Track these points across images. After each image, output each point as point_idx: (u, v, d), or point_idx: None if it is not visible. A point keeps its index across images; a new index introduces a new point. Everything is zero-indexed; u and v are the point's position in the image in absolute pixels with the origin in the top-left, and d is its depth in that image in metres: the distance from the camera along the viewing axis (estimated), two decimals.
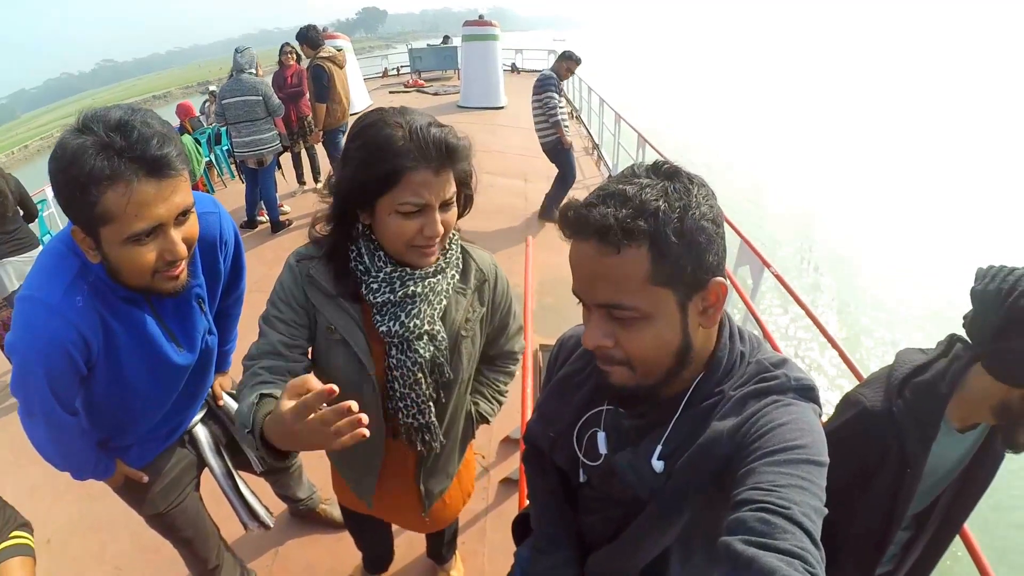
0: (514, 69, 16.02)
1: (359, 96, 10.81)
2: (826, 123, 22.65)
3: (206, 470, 1.73)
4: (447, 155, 1.02)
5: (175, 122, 7.37)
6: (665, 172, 0.73)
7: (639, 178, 0.73)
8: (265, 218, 5.66)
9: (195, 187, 7.04)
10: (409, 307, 1.14)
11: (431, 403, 1.25)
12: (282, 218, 5.65)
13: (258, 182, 5.38)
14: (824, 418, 0.82)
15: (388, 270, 1.13)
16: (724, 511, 0.67)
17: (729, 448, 0.74)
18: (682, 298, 0.73)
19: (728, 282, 0.80)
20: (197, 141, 7.02)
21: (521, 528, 1.30)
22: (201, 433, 1.68)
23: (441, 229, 1.06)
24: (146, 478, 1.53)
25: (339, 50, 5.70)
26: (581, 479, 1.01)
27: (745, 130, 21.11)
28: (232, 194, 6.87)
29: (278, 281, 1.18)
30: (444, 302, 1.20)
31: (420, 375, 1.20)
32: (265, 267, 4.65)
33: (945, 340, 1.15)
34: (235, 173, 7.63)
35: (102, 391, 1.28)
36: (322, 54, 5.37)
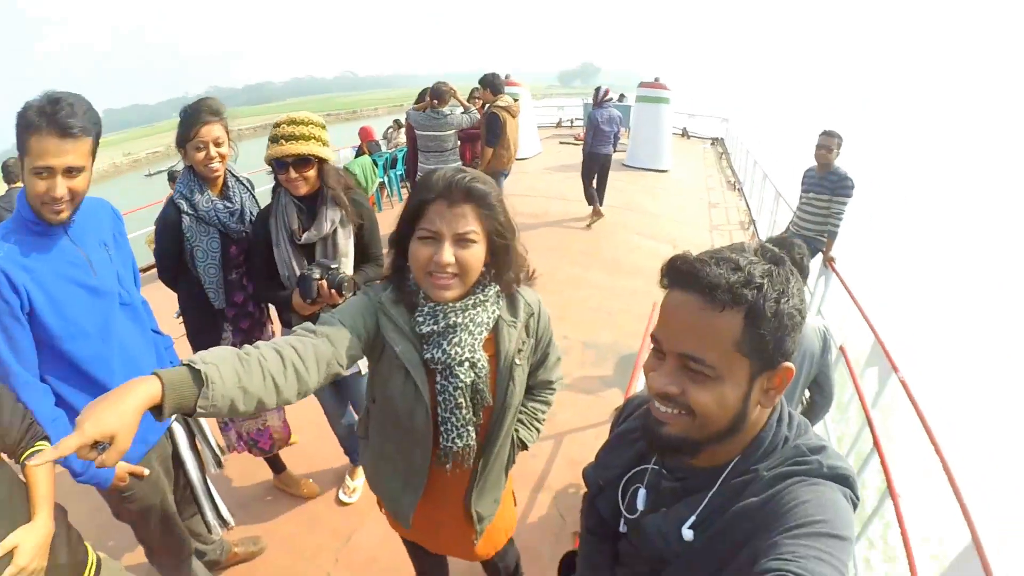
0: (684, 134, 15.95)
1: (530, 143, 11.33)
2: None
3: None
4: (463, 193, 1.17)
5: (353, 140, 8.20)
6: (771, 257, 0.79)
7: (748, 254, 0.79)
8: None
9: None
10: (451, 336, 1.26)
11: (470, 427, 1.34)
12: None
13: None
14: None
15: (432, 304, 1.26)
16: None
17: (754, 524, 0.77)
18: (755, 372, 0.78)
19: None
20: (375, 163, 7.81)
21: (567, 568, 1.35)
22: (178, 430, 1.96)
23: (450, 259, 1.17)
24: (147, 472, 1.74)
25: (516, 100, 6.08)
26: (622, 529, 1.05)
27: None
28: (391, 220, 7.48)
29: (347, 302, 1.32)
30: (485, 333, 1.30)
31: (461, 400, 1.30)
32: None
33: None
34: (403, 196, 8.32)
35: (52, 333, 1.53)
36: (499, 102, 5.78)
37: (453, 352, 1.26)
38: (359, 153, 8.26)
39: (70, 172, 1.44)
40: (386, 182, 8.56)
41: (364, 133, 8.42)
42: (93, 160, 1.51)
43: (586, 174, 7.26)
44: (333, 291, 2.00)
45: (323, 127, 2.09)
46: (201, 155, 2.07)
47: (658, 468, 0.98)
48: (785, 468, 0.81)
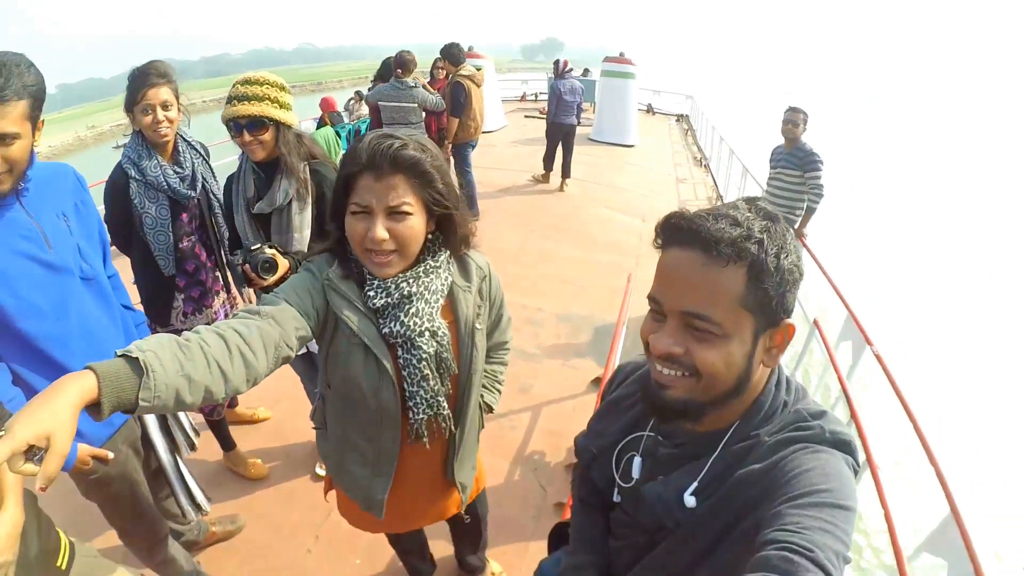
0: (649, 110, 15.99)
1: (495, 117, 11.23)
2: None
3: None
4: (390, 162, 1.10)
5: (317, 113, 7.96)
6: (765, 212, 0.78)
7: (743, 211, 0.78)
8: None
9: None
10: (407, 307, 1.22)
11: (440, 397, 1.31)
12: None
13: None
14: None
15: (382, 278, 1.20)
16: (748, 552, 0.70)
17: (757, 491, 0.77)
18: (758, 328, 0.77)
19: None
20: (337, 134, 7.58)
21: (557, 539, 1.35)
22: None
23: (383, 235, 1.12)
24: (111, 455, 1.62)
25: (479, 69, 5.99)
26: (615, 499, 1.05)
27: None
28: None
29: (290, 280, 1.22)
30: (441, 300, 1.27)
31: (427, 371, 1.27)
32: None
33: None
34: None
35: (4, 311, 1.42)
36: (463, 72, 5.69)
37: (412, 323, 1.22)
38: (320, 124, 8.01)
39: (2, 139, 1.31)
40: None
41: (326, 103, 8.13)
42: (34, 126, 1.37)
43: (550, 141, 7.53)
44: (255, 275, 1.84)
45: (282, 88, 1.99)
46: (148, 119, 2.00)
47: (654, 435, 0.97)
48: (787, 434, 0.80)
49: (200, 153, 2.26)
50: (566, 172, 7.69)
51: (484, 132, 9.91)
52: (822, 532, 0.66)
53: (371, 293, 1.21)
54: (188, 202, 2.19)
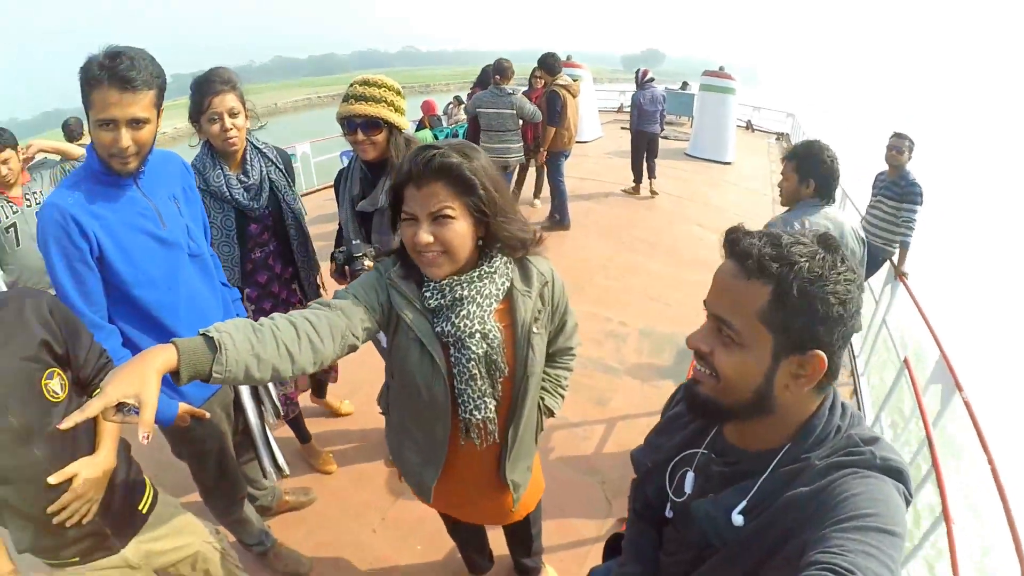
0: (749, 127, 15.40)
1: (591, 127, 11.19)
2: None
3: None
4: (430, 171, 1.15)
5: (418, 115, 8.20)
6: (826, 243, 0.80)
7: (802, 236, 0.81)
8: None
9: None
10: (459, 309, 1.26)
11: (487, 398, 1.34)
12: None
13: None
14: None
15: (437, 281, 1.25)
16: (791, 574, 0.70)
17: (804, 514, 0.77)
18: (778, 349, 0.80)
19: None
20: (436, 137, 7.83)
21: (611, 549, 1.38)
22: None
23: (427, 239, 1.17)
24: (208, 415, 1.74)
25: (575, 80, 5.99)
26: (667, 514, 1.07)
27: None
28: None
29: (360, 277, 1.33)
30: (495, 304, 1.30)
31: (476, 371, 1.30)
32: None
33: None
34: None
35: (122, 279, 1.56)
36: (559, 81, 5.72)
37: (462, 324, 1.26)
38: (420, 127, 8.30)
39: (134, 124, 1.46)
40: None
41: (427, 107, 8.37)
42: (159, 113, 1.52)
43: (635, 151, 7.61)
44: (347, 270, 1.94)
45: (398, 93, 2.01)
46: (216, 127, 1.98)
47: (708, 452, 0.99)
48: (837, 458, 0.80)
49: (272, 160, 2.21)
50: (651, 174, 7.74)
51: (579, 142, 9.91)
52: (865, 555, 0.65)
53: (427, 294, 1.27)
54: (257, 212, 2.16)
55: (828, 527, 0.71)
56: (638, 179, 7.80)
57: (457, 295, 1.25)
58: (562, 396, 1.64)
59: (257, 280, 2.28)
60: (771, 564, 0.81)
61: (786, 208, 2.64)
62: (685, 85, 15.53)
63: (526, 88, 6.29)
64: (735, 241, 0.82)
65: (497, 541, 2.16)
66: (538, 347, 1.37)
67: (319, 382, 3.04)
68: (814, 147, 2.51)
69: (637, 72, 7.74)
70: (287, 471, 2.17)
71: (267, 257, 2.27)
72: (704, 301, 0.88)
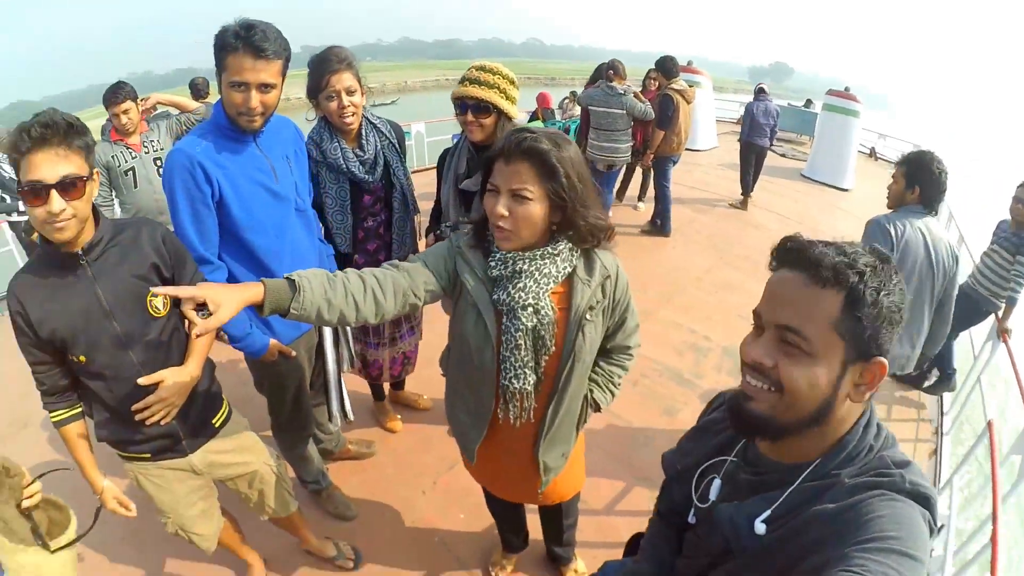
0: (872, 154, 14.22)
1: (706, 136, 10.74)
2: None
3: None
4: (520, 152, 1.23)
5: (533, 106, 8.30)
6: (879, 254, 0.81)
7: (854, 246, 0.82)
8: None
9: None
10: (516, 281, 1.33)
11: (527, 369, 1.41)
12: None
13: (599, 183, 5.88)
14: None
15: (504, 251, 1.34)
16: None
17: (826, 532, 0.77)
18: (848, 357, 0.79)
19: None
20: None
21: (632, 547, 1.39)
22: (326, 328, 2.11)
23: (503, 211, 1.26)
24: (294, 353, 1.92)
25: (692, 85, 5.84)
26: (691, 520, 1.07)
27: None
28: None
29: (434, 245, 1.47)
30: (552, 284, 1.35)
31: (521, 341, 1.37)
32: None
33: None
34: None
35: (236, 223, 1.73)
36: (674, 85, 5.59)
37: (517, 296, 1.33)
38: (532, 118, 8.39)
39: (263, 88, 1.62)
40: None
41: (541, 99, 8.42)
42: (283, 80, 1.68)
43: (744, 163, 7.39)
44: None
45: (512, 82, 2.06)
46: (333, 104, 2.04)
47: (737, 460, 0.99)
48: (867, 478, 0.80)
49: (386, 135, 2.27)
50: (750, 188, 7.53)
51: (693, 150, 9.67)
52: None
53: (492, 263, 1.36)
54: (371, 184, 2.22)
55: (851, 547, 0.71)
56: (746, 192, 7.52)
57: (517, 268, 1.32)
58: (612, 393, 1.65)
59: (367, 248, 2.37)
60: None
61: (890, 211, 2.68)
62: (809, 103, 14.64)
63: (639, 89, 6.22)
64: (802, 250, 0.82)
65: (535, 525, 2.19)
66: (588, 334, 1.41)
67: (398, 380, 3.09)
68: (926, 156, 2.57)
69: (756, 87, 7.61)
70: (351, 418, 2.32)
71: (378, 227, 2.36)
72: (757, 312, 0.86)
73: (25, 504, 1.37)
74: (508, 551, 2.24)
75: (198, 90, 6.43)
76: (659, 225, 6.21)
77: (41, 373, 1.46)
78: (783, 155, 12.20)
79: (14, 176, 1.71)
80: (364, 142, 2.18)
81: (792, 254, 0.83)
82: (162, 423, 1.53)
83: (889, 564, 0.67)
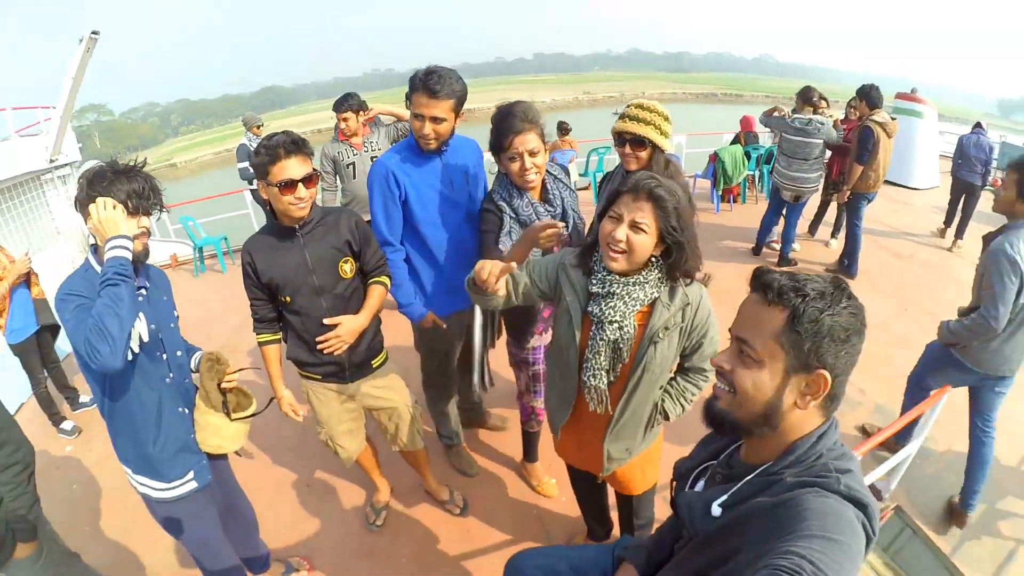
0: None
1: (925, 172, 9.18)
2: None
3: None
4: (646, 192, 1.49)
5: (735, 129, 8.11)
6: (837, 284, 0.95)
7: (819, 277, 0.96)
8: (776, 247, 6.16)
9: (729, 191, 7.79)
10: (609, 300, 1.60)
11: (602, 372, 1.67)
12: (791, 255, 6.02)
13: (784, 213, 5.84)
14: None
15: (604, 273, 1.61)
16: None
17: (762, 525, 0.89)
18: (790, 366, 0.93)
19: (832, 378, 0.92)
20: (747, 155, 7.65)
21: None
22: (477, 309, 2.48)
23: (621, 236, 1.51)
24: (444, 325, 2.35)
25: (893, 119, 5.30)
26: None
27: None
28: (751, 214, 7.25)
29: (546, 257, 1.79)
30: (639, 307, 1.61)
31: (602, 350, 1.64)
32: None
33: None
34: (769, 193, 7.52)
35: (416, 218, 2.17)
36: (875, 116, 5.16)
37: (607, 312, 1.60)
38: (734, 141, 8.17)
39: (434, 120, 2.08)
40: (756, 176, 8.17)
41: (745, 122, 8.05)
42: (456, 115, 2.13)
43: (951, 200, 6.87)
44: None
45: (666, 118, 2.24)
46: (516, 166, 2.09)
47: (719, 462, 1.15)
48: (805, 478, 0.91)
49: (566, 184, 2.32)
50: (959, 233, 6.72)
51: (907, 188, 8.67)
52: (808, 562, 0.74)
53: (593, 280, 1.63)
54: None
55: (781, 541, 0.80)
56: (946, 223, 6.97)
57: (612, 289, 1.59)
58: (683, 407, 1.83)
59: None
60: (730, 565, 0.93)
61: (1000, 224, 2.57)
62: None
63: (842, 118, 5.87)
64: (759, 276, 0.98)
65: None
66: (660, 350, 1.63)
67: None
68: None
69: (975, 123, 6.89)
70: (492, 385, 2.76)
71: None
72: (729, 328, 1.03)
73: (224, 385, 1.94)
74: (591, 538, 2.51)
75: (246, 123, 7.12)
76: (846, 265, 5.79)
77: (258, 306, 2.09)
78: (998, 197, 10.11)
79: None
80: (551, 196, 2.25)
81: (756, 280, 0.99)
82: (335, 354, 2.09)
83: (813, 547, 0.76)
